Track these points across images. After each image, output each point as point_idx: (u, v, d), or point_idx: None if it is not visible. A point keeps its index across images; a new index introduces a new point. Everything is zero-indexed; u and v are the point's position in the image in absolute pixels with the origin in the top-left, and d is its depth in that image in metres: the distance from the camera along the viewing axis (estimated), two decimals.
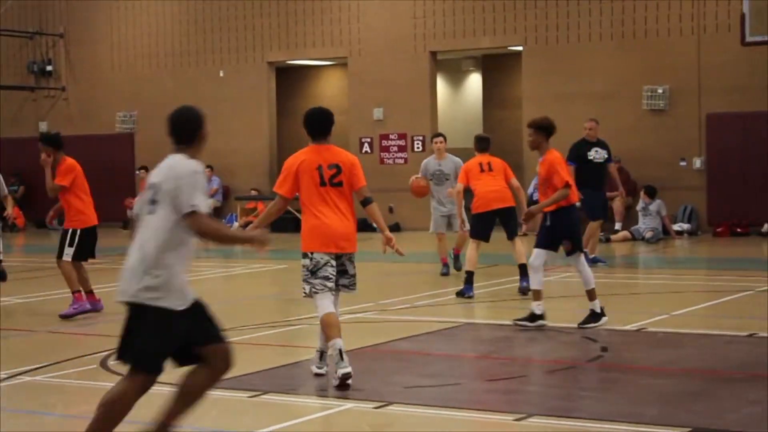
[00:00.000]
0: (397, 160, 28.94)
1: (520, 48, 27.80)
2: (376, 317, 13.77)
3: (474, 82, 32.37)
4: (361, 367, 10.69)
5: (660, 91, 25.81)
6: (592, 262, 18.13)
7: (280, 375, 10.39)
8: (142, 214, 7.01)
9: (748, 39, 22.59)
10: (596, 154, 18.65)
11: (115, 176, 31.19)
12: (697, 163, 25.55)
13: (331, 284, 9.72)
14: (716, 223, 25.03)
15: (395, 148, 28.80)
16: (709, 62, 25.24)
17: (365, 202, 9.86)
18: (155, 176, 7.00)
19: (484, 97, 31.76)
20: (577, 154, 18.55)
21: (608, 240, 24.36)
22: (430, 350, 11.69)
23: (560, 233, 12.45)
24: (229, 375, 7.11)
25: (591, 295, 12.33)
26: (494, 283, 17.16)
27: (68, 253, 13.88)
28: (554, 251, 12.63)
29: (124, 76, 32.41)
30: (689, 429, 8.12)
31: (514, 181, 15.85)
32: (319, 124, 10.04)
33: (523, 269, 15.19)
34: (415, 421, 8.77)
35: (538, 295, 12.43)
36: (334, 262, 9.73)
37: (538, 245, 12.43)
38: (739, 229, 24.83)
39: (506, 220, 15.76)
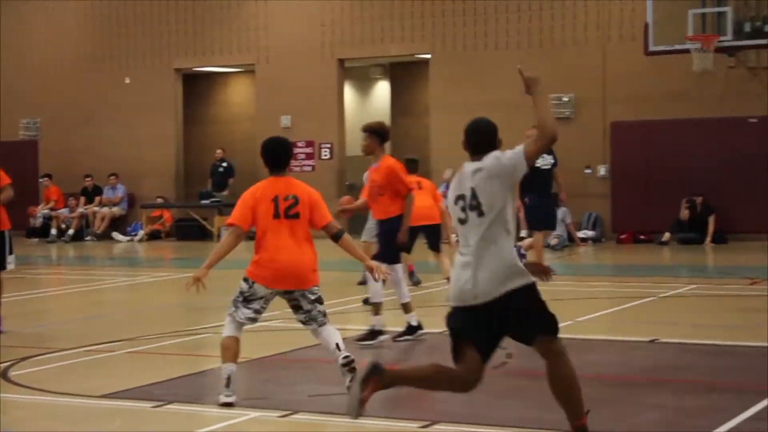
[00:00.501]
0: (304, 168, 28.92)
1: (428, 56, 27.96)
2: (283, 325, 13.73)
3: (382, 89, 32.49)
4: (267, 376, 10.71)
5: (566, 99, 26.12)
6: None
7: (184, 384, 10.30)
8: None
9: (651, 49, 23.01)
10: (542, 161, 18.36)
11: (19, 184, 30.72)
12: (602, 170, 25.89)
13: (253, 320, 9.54)
14: (620, 231, 25.39)
15: (303, 156, 28.79)
16: (614, 71, 25.60)
17: (336, 237, 9.58)
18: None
19: (392, 104, 31.88)
20: None
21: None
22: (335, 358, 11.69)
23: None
24: (131, 385, 7.08)
25: (406, 308, 12.28)
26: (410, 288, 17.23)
27: None
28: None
29: (27, 82, 31.96)
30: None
31: (443, 205, 16.01)
32: (278, 157, 9.69)
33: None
34: (320, 430, 8.83)
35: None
36: (272, 299, 9.53)
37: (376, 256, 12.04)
38: (642, 237, 25.20)
39: (430, 235, 16.19)
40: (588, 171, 26.00)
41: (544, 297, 7.47)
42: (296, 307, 9.57)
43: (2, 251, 13.29)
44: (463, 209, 7.52)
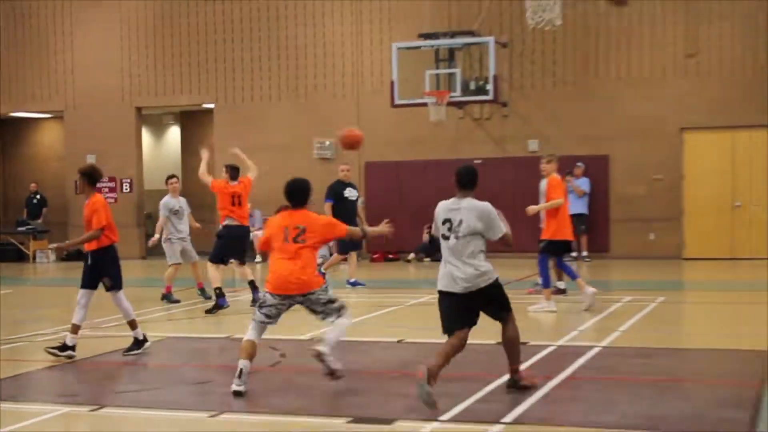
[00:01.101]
0: (108, 200, 28.26)
1: (213, 105, 27.92)
2: (90, 333, 13.53)
3: (174, 133, 32.24)
4: (78, 377, 10.58)
5: (327, 143, 26.39)
6: (352, 285, 18.82)
7: (5, 385, 10.01)
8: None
9: (396, 102, 23.42)
10: (350, 193, 18.83)
11: None
12: (358, 202, 26.18)
13: (270, 320, 9.86)
14: (373, 251, 25.78)
15: (107, 189, 28.34)
16: (366, 119, 25.95)
17: (363, 236, 10.63)
18: None
19: (183, 146, 31.66)
20: (335, 193, 18.76)
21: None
22: (137, 361, 11.60)
23: (100, 272, 11.79)
24: None
25: (132, 325, 11.93)
26: (197, 301, 17.19)
27: None
28: (94, 289, 11.89)
29: None
30: (351, 418, 8.49)
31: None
32: (296, 196, 10.19)
33: (253, 284, 15.85)
34: (124, 421, 8.81)
35: (75, 329, 11.64)
36: (283, 302, 9.80)
37: (82, 285, 11.79)
38: (390, 256, 25.67)
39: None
40: None
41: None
42: (310, 310, 10.04)
43: None
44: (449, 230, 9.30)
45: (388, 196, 25.69)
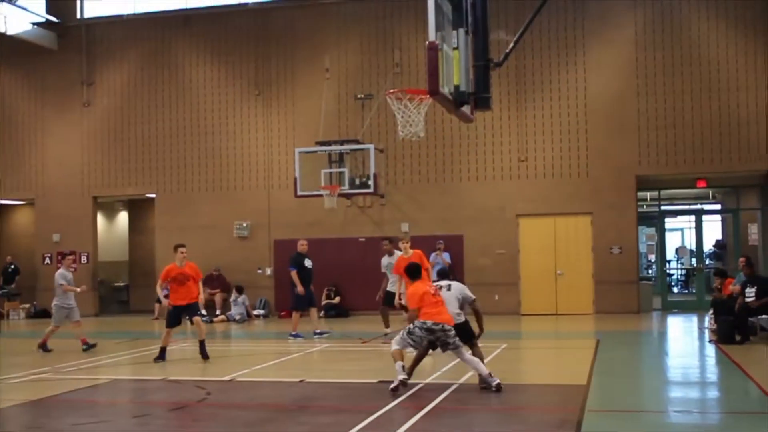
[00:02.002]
0: (70, 270, 27.54)
1: (154, 195, 27.50)
2: (52, 377, 13.09)
3: (123, 216, 31.59)
4: (43, 413, 10.16)
5: (244, 224, 26.18)
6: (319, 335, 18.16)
7: None
8: None
9: (299, 193, 23.35)
10: (308, 263, 18.45)
11: None
12: (268, 271, 26.02)
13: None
14: (281, 309, 25.48)
15: (69, 261, 27.49)
16: (275, 207, 25.92)
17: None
18: None
19: (130, 227, 31.04)
20: (297, 263, 18.37)
21: (211, 321, 24.24)
22: (90, 399, 11.23)
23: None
24: None
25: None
26: (138, 350, 16.72)
27: None
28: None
29: None
30: None
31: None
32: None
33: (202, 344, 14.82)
34: None
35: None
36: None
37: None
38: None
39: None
40: (259, 271, 26.07)
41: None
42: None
43: None
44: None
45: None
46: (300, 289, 18.11)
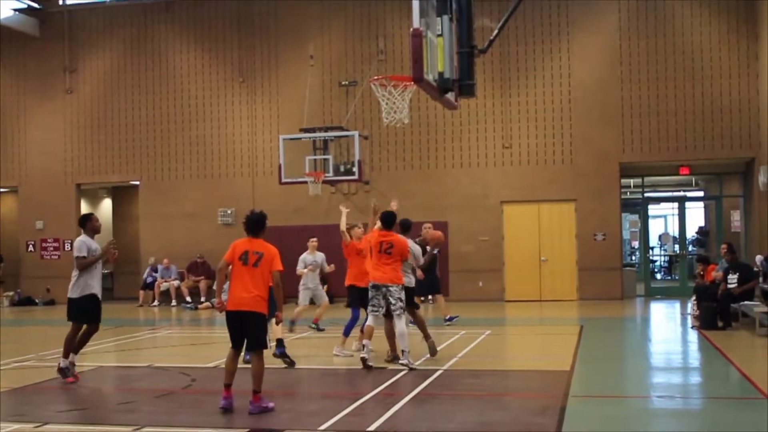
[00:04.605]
0: (53, 256, 27.59)
1: (138, 182, 27.38)
2: (34, 364, 13.04)
3: (106, 204, 31.44)
4: (25, 400, 10.12)
5: (229, 212, 26.12)
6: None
7: None
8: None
9: (283, 180, 23.31)
10: (434, 250, 17.06)
11: None
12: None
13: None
14: None
15: (52, 248, 27.49)
16: (260, 194, 25.86)
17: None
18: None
19: (114, 214, 30.90)
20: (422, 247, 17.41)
21: (196, 308, 24.19)
22: (74, 386, 11.18)
23: None
24: None
25: None
26: (123, 337, 16.68)
27: None
28: None
29: None
30: (248, 429, 8.31)
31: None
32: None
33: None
34: None
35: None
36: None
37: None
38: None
39: None
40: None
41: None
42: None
43: None
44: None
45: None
46: (420, 274, 17.14)
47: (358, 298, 13.00)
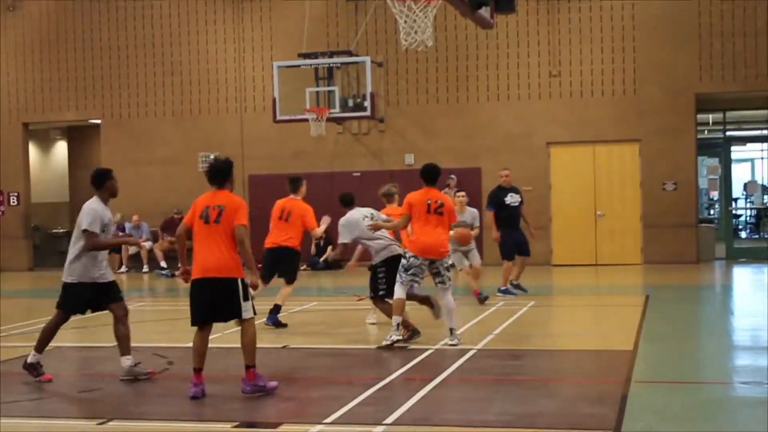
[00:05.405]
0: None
1: (99, 121, 27.44)
2: None
3: (61, 148, 31.58)
4: None
5: (212, 156, 25.95)
6: (517, 289, 17.27)
7: None
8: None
9: (279, 118, 23.28)
10: (511, 199, 17.46)
11: None
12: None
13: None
14: (260, 260, 25.47)
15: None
16: (250, 135, 25.91)
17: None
18: None
19: (70, 161, 31.05)
20: (495, 200, 17.51)
21: (173, 275, 24.36)
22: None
23: None
24: None
25: None
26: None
27: None
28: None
29: None
30: (237, 423, 8.39)
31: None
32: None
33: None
34: (15, 430, 8.48)
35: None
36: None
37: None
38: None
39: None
40: None
41: None
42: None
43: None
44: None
45: (268, 207, 25.40)
46: (495, 234, 17.42)
47: None
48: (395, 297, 11.95)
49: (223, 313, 9.48)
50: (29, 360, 10.63)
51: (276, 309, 14.11)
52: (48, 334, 10.66)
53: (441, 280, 11.96)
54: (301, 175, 25.18)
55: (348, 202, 13.50)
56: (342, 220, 13.17)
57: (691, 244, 23.82)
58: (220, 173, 9.64)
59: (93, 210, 10.33)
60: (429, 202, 11.97)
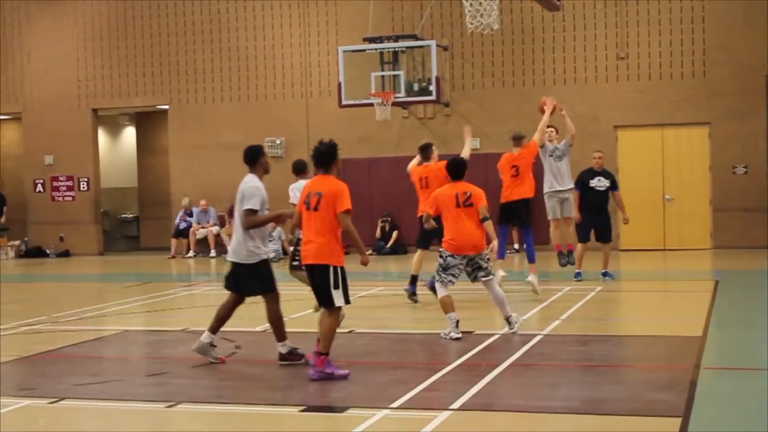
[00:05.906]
0: (66, 198, 28.23)
1: (167, 107, 27.72)
2: (48, 328, 13.41)
3: (129, 134, 31.96)
4: (37, 371, 10.38)
5: (278, 141, 26.31)
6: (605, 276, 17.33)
7: None
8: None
9: (344, 102, 23.37)
10: (598, 183, 17.46)
11: None
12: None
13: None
14: None
15: (64, 188, 28.10)
16: (315, 120, 26.00)
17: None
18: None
19: (138, 146, 31.41)
20: (581, 181, 17.48)
21: None
22: (95, 354, 11.48)
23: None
24: None
25: None
26: (153, 295, 17.03)
27: None
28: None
29: None
30: (304, 407, 8.44)
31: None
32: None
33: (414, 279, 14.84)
34: (82, 413, 8.64)
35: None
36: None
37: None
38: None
39: None
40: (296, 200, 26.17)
41: None
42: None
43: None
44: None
45: None
46: (576, 215, 17.19)
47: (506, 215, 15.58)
48: (439, 297, 11.78)
49: (321, 299, 9.64)
50: (204, 339, 10.47)
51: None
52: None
53: (484, 273, 11.65)
54: (365, 160, 25.43)
55: (300, 170, 13.75)
56: None
57: (762, 228, 23.48)
58: (324, 156, 9.72)
59: (256, 188, 10.32)
60: (457, 194, 11.66)
